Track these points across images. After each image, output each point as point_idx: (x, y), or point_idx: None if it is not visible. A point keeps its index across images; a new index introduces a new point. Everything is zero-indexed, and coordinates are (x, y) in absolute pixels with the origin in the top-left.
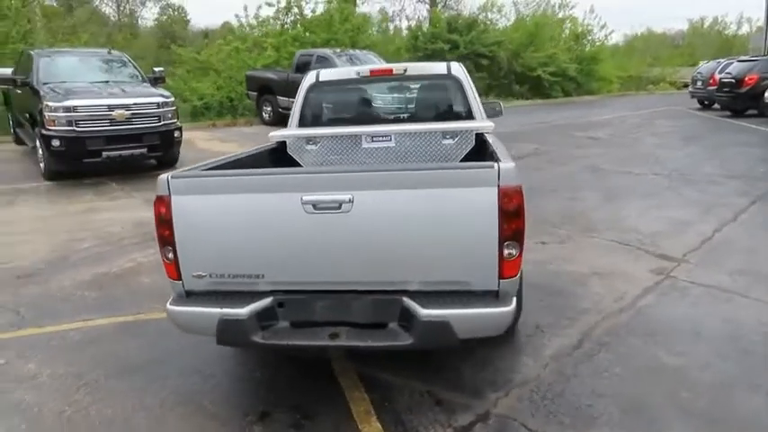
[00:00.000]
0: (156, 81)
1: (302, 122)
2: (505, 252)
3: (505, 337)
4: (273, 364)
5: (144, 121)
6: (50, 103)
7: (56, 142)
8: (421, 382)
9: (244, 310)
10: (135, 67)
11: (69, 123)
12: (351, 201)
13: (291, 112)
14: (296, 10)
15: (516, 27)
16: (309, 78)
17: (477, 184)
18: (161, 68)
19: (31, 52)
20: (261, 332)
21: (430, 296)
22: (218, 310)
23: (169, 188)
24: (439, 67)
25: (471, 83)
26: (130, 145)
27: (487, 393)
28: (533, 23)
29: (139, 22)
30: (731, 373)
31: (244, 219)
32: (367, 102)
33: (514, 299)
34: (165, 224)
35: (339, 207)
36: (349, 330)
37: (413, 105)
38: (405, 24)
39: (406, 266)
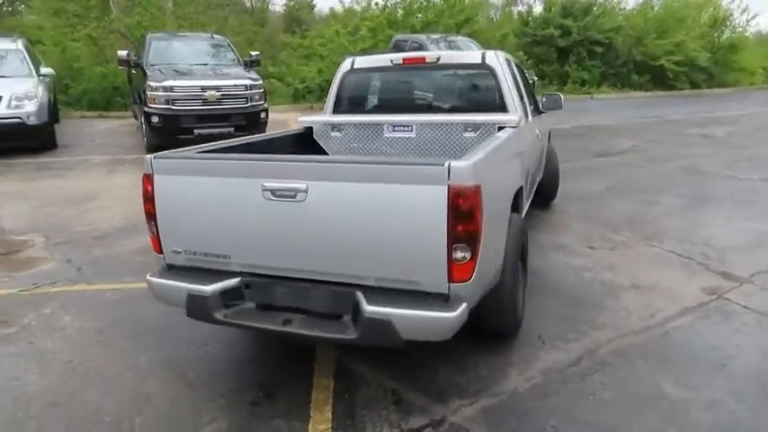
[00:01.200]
0: (252, 64)
1: (336, 108)
2: (455, 255)
3: (503, 343)
4: (268, 345)
5: (233, 101)
6: (152, 83)
7: (155, 119)
8: (392, 378)
9: (208, 288)
10: (233, 51)
11: (167, 102)
12: (306, 190)
13: (327, 98)
14: None
15: (640, 11)
16: (345, 65)
17: (426, 181)
18: (257, 52)
19: (147, 36)
20: (224, 310)
21: (384, 293)
22: (186, 285)
23: (152, 167)
24: (473, 56)
25: (511, 73)
26: (219, 124)
27: (453, 400)
28: (664, 7)
29: (269, 8)
30: (739, 416)
31: (214, 201)
32: (399, 90)
33: (464, 305)
34: (149, 200)
35: (295, 196)
36: (303, 318)
37: (444, 95)
38: (520, 9)
39: (359, 260)
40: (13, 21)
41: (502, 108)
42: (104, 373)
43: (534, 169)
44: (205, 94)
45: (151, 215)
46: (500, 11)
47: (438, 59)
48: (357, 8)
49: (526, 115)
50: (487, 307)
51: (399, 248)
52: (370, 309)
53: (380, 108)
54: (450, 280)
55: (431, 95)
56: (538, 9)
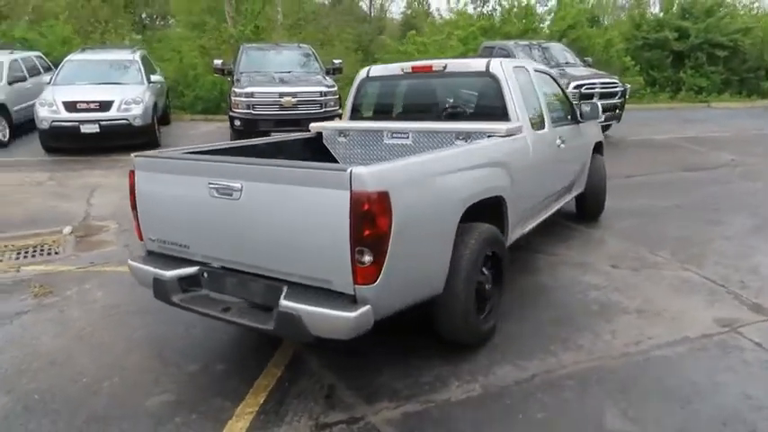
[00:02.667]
0: (334, 72)
1: (353, 114)
2: (359, 258)
3: (464, 353)
4: (248, 333)
5: (308, 107)
6: (236, 89)
7: (237, 122)
8: (335, 374)
9: (168, 274)
10: (317, 60)
11: (248, 107)
12: (240, 189)
13: (345, 104)
14: None
15: None
16: (362, 73)
17: (332, 185)
18: (339, 60)
19: (241, 46)
20: (180, 294)
21: (305, 290)
22: (153, 269)
23: (134, 164)
24: (478, 64)
25: (517, 82)
26: (294, 128)
27: (382, 401)
28: None
29: (387, 15)
30: None
31: (174, 195)
32: (408, 97)
33: (368, 307)
34: (131, 193)
35: (231, 194)
36: (240, 307)
37: (450, 102)
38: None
39: (283, 258)
40: (162, 33)
41: (504, 116)
42: (101, 343)
43: (548, 181)
44: (282, 100)
45: (133, 206)
46: (611, 15)
47: (445, 67)
48: (453, 16)
49: (539, 125)
50: (438, 316)
51: (313, 249)
52: (283, 303)
53: (389, 115)
54: (356, 282)
55: (437, 102)
56: (655, 11)
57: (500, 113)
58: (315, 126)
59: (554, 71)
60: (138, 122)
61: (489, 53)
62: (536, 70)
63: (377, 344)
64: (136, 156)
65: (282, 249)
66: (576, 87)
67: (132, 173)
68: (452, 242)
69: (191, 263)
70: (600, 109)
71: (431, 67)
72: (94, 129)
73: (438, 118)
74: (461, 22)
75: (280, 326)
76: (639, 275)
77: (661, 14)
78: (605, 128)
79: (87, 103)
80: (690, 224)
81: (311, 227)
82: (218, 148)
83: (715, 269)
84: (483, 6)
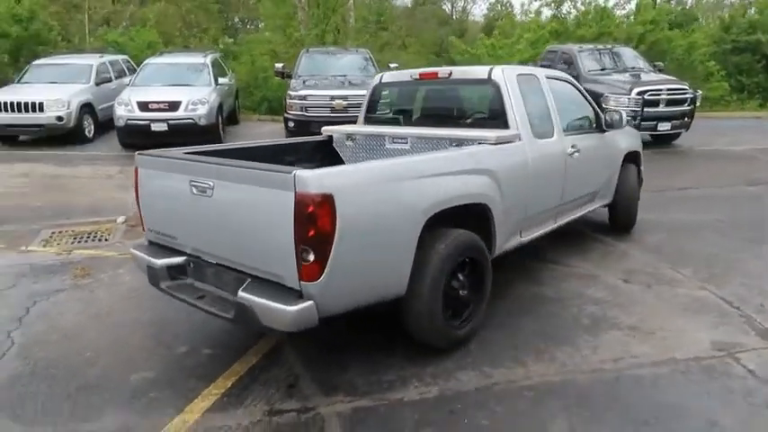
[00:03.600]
0: None
1: (366, 119)
2: (304, 256)
3: (435, 356)
4: None
5: (358, 110)
6: (290, 92)
7: (291, 123)
8: (306, 366)
9: (158, 262)
10: (373, 64)
11: (301, 109)
12: (212, 187)
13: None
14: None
15: None
16: (376, 79)
17: (279, 186)
18: (395, 64)
19: (303, 50)
20: (168, 282)
21: (266, 283)
22: (147, 257)
23: (136, 161)
24: (481, 71)
25: (520, 89)
26: None
27: (338, 395)
28: None
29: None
30: None
31: (166, 191)
32: (415, 103)
33: (310, 303)
34: (136, 188)
35: (206, 192)
36: (213, 297)
37: (454, 108)
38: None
39: (246, 252)
40: (252, 36)
41: (503, 124)
42: (114, 322)
43: (556, 190)
44: (333, 102)
45: (137, 199)
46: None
47: (450, 75)
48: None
49: (547, 133)
50: (404, 317)
51: (268, 245)
52: (240, 294)
53: (397, 120)
54: (301, 278)
55: (441, 109)
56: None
57: (500, 121)
58: (326, 129)
59: (620, 76)
60: (202, 122)
61: (552, 58)
62: (549, 77)
63: (359, 341)
64: (139, 154)
65: (245, 244)
66: (638, 94)
67: (137, 170)
68: (414, 247)
69: (180, 253)
70: (624, 118)
71: (436, 74)
72: (163, 127)
73: (441, 124)
74: (532, 25)
75: (237, 315)
76: (649, 292)
77: (756, 16)
78: (673, 137)
79: (158, 103)
80: (725, 242)
81: (265, 225)
82: (227, 148)
83: (736, 290)
84: (557, 9)
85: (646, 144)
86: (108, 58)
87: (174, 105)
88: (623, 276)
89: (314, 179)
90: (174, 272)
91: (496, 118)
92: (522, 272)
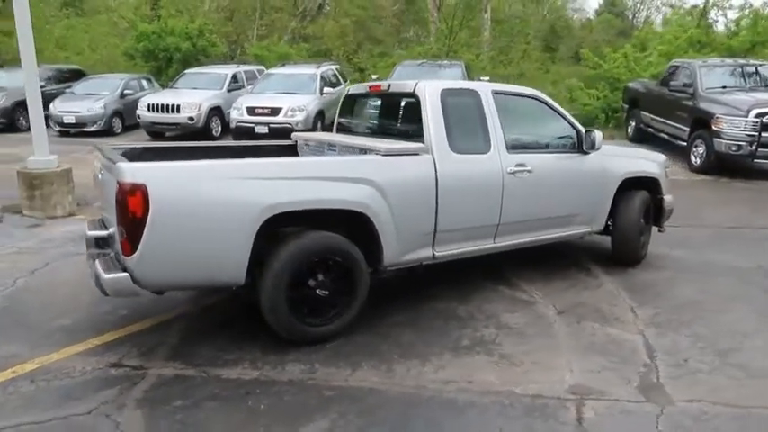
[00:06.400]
0: None
1: (338, 126)
2: (122, 234)
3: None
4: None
5: None
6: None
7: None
8: (185, 335)
9: (89, 233)
10: (464, 75)
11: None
12: (102, 173)
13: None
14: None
15: None
16: (345, 91)
17: (113, 175)
18: (487, 78)
19: (398, 64)
20: (94, 249)
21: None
22: (87, 229)
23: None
24: (409, 86)
25: (441, 104)
26: None
27: (177, 361)
28: None
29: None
30: None
31: (99, 175)
32: (365, 114)
33: (125, 275)
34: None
35: (103, 176)
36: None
37: (389, 120)
38: None
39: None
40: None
41: (418, 135)
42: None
43: (490, 208)
44: None
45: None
46: None
47: (389, 87)
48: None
49: (478, 149)
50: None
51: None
52: (95, 263)
53: (349, 129)
54: (122, 253)
55: (381, 119)
56: None
57: (418, 133)
58: (294, 135)
59: (743, 96)
60: (299, 127)
61: (673, 73)
62: (502, 93)
63: (248, 326)
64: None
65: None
66: (757, 116)
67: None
68: (249, 241)
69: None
70: (597, 139)
71: (379, 87)
72: (265, 130)
73: (374, 134)
74: (668, 35)
75: (95, 282)
76: (569, 327)
77: None
78: None
79: (262, 108)
80: (736, 291)
81: (112, 207)
82: (195, 146)
83: (678, 341)
84: (701, 18)
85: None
86: (244, 68)
87: (275, 111)
88: (563, 308)
89: (129, 170)
90: (101, 242)
91: (415, 130)
92: (456, 288)
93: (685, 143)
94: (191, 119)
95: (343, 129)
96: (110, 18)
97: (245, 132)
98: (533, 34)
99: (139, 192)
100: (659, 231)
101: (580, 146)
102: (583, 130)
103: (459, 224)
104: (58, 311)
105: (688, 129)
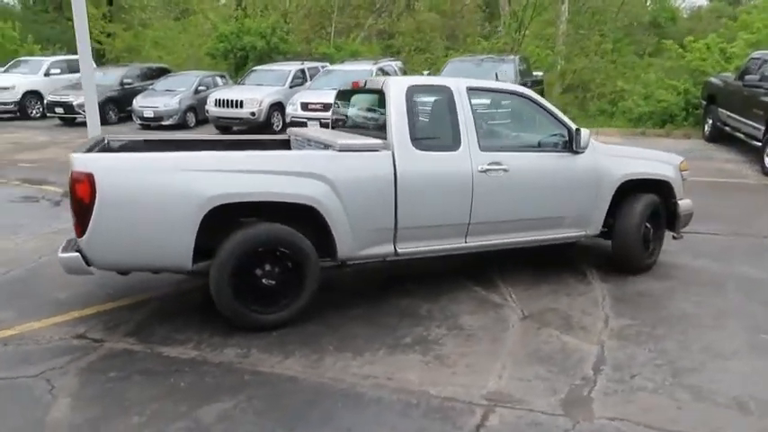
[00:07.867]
0: (534, 84)
1: (333, 122)
2: (75, 217)
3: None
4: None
5: None
6: None
7: None
8: (155, 314)
9: None
10: (516, 72)
11: None
12: None
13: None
14: None
15: None
16: (341, 87)
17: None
18: (540, 73)
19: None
20: None
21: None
22: None
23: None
24: (379, 82)
25: (407, 100)
26: None
27: (132, 337)
28: None
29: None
30: None
31: None
32: (351, 111)
33: (76, 254)
34: None
35: None
36: None
37: (366, 115)
38: None
39: None
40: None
41: (381, 130)
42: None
43: (459, 205)
44: None
45: None
46: None
47: (365, 84)
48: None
49: (446, 146)
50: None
51: None
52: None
53: (339, 124)
54: (76, 235)
55: (360, 115)
56: None
57: (383, 129)
58: (289, 131)
59: None
60: None
61: (753, 67)
62: (480, 89)
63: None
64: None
65: None
66: None
67: None
68: (193, 229)
69: None
70: (584, 138)
71: (358, 83)
72: (315, 125)
73: (357, 129)
74: (756, 23)
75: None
76: (526, 332)
77: None
78: None
79: (315, 104)
80: (739, 306)
81: None
82: (203, 139)
83: (634, 355)
84: None
85: None
86: (308, 65)
87: (326, 106)
88: (531, 313)
89: (80, 160)
90: None
91: (381, 126)
92: (430, 286)
93: (760, 143)
94: (252, 114)
95: (335, 124)
96: (196, 19)
97: (300, 126)
98: (613, 26)
99: (87, 180)
100: (674, 238)
101: (571, 145)
102: (574, 128)
103: (424, 222)
104: (60, 286)
105: (763, 128)
